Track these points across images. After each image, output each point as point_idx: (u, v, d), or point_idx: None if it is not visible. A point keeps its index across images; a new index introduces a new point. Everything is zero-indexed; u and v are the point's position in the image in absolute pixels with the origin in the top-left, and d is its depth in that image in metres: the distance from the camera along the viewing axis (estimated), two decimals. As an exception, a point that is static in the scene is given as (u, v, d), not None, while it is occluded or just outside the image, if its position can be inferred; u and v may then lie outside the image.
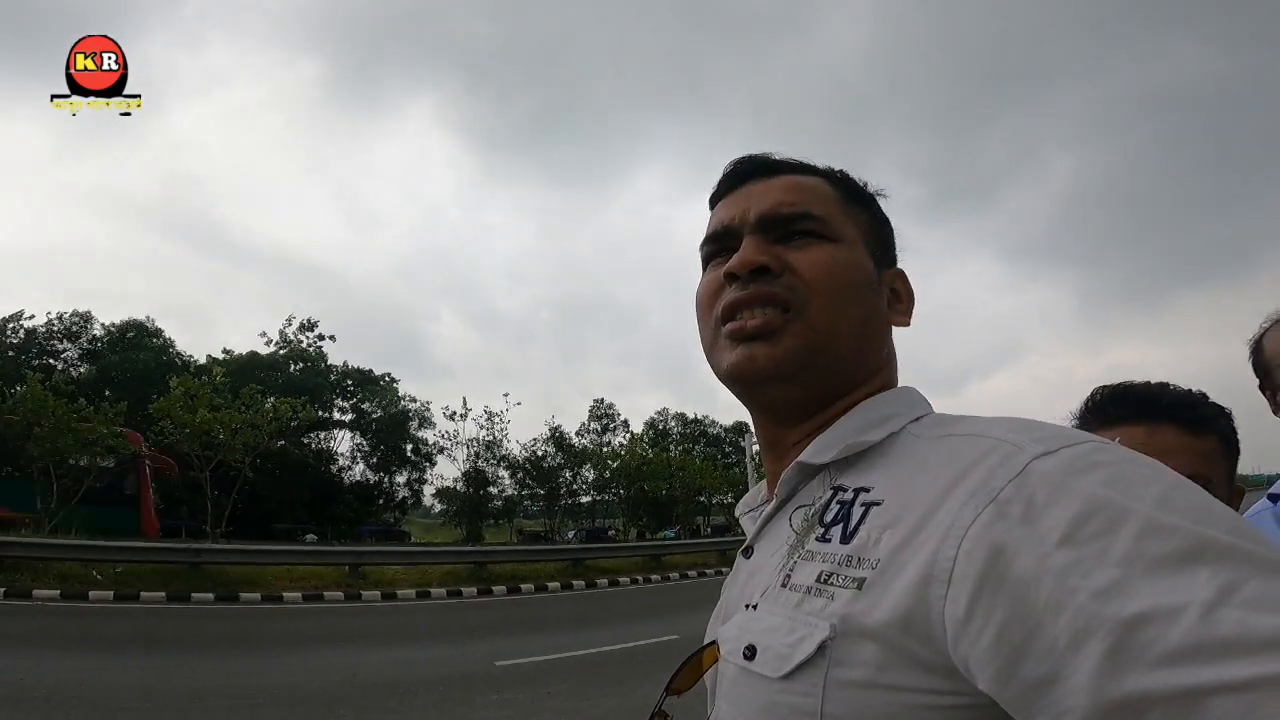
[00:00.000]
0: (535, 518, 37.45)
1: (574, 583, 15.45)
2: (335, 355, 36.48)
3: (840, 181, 0.62)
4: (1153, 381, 0.96)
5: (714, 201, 0.64)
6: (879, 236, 0.62)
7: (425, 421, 36.89)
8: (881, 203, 0.65)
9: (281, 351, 34.07)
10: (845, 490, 0.51)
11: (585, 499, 34.64)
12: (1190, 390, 0.95)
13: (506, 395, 28.45)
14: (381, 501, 38.01)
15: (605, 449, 33.17)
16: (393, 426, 36.49)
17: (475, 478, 25.57)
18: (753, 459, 33.38)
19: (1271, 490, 1.13)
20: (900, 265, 0.65)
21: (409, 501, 39.31)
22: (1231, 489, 0.92)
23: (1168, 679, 0.32)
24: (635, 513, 32.16)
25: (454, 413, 24.57)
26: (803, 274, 0.55)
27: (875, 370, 0.59)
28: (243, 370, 27.64)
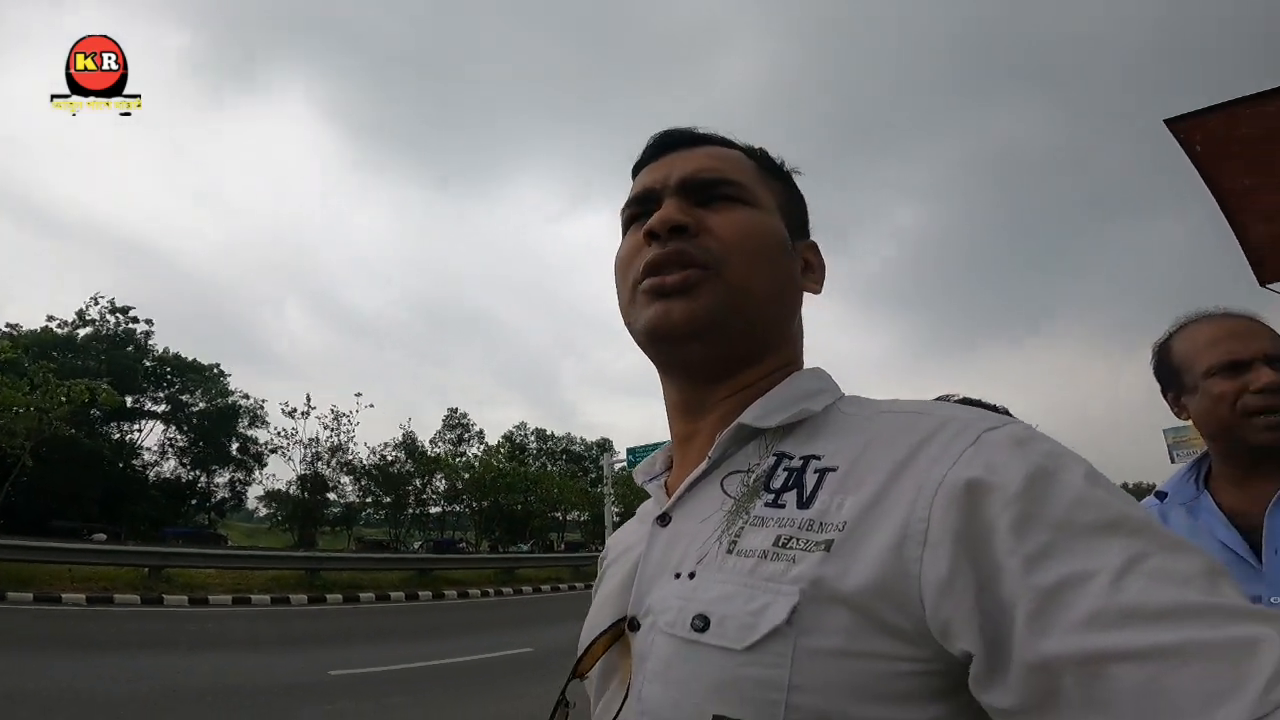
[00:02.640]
0: (378, 526, 34.97)
1: (420, 593, 14.47)
2: (156, 342, 32.33)
3: (759, 155, 0.64)
4: (960, 395, 1.08)
5: (637, 170, 0.65)
6: (793, 208, 0.64)
7: (258, 419, 33.62)
8: (797, 180, 0.66)
9: (82, 332, 29.57)
10: (791, 457, 0.50)
11: (435, 509, 32.81)
12: (980, 401, 1.06)
13: (359, 396, 26.10)
14: (195, 502, 33.92)
15: (459, 459, 31.73)
16: (218, 421, 32.82)
17: (313, 481, 23.32)
18: (613, 476, 33.56)
19: (1158, 489, 1.24)
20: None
21: (229, 504, 35.38)
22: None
23: (1077, 643, 0.35)
24: (488, 526, 30.95)
25: (294, 409, 22.32)
26: (720, 234, 0.56)
27: (788, 336, 0.60)
28: (38, 347, 23.56)
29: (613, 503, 33.05)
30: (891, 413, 0.50)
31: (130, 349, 30.69)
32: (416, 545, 29.72)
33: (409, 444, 29.50)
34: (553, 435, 44.96)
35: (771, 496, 0.48)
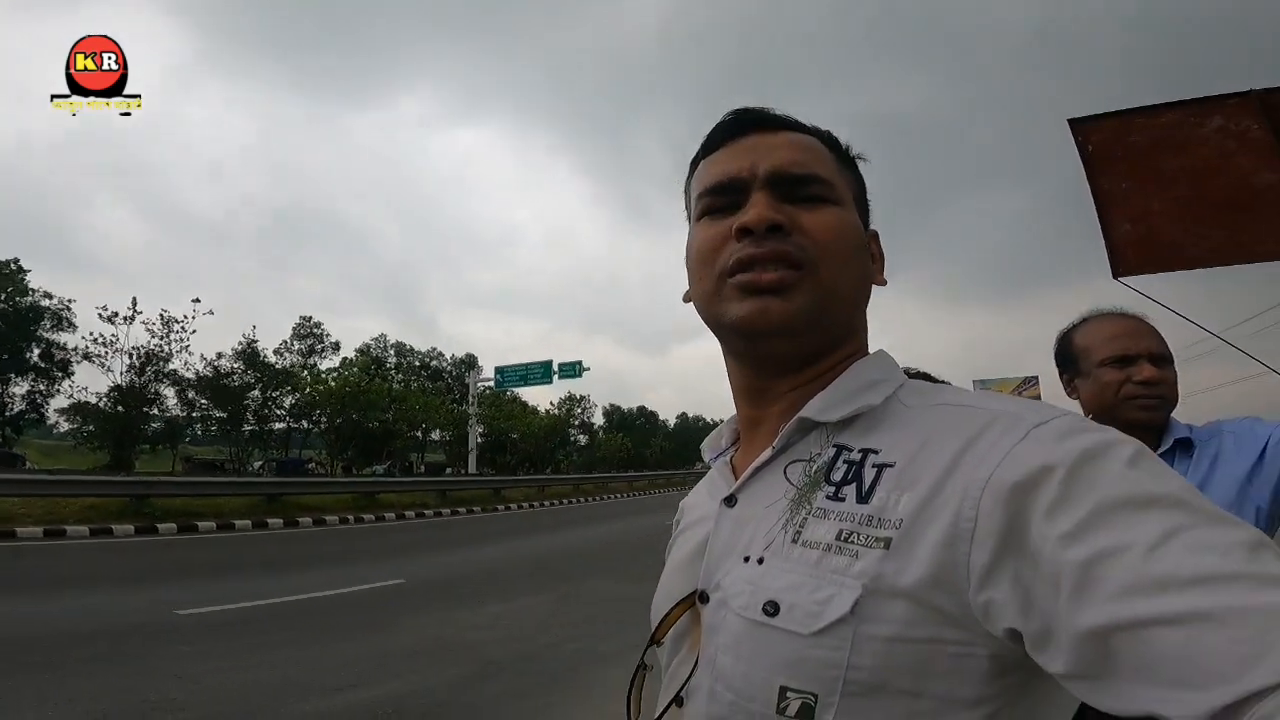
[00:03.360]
0: (207, 444, 32.16)
1: (269, 521, 13.65)
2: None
3: (832, 143, 0.63)
4: (916, 370, 1.19)
5: (708, 149, 0.64)
6: (863, 199, 0.65)
7: (64, 323, 29.11)
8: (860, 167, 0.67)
9: None
10: (850, 450, 0.53)
11: (279, 426, 30.47)
12: (930, 375, 1.17)
13: (197, 302, 22.40)
14: (-18, 416, 29.27)
15: (308, 371, 29.55)
16: (15, 324, 28.10)
17: (131, 393, 20.69)
18: (478, 396, 32.90)
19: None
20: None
21: (25, 418, 30.85)
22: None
23: (1114, 612, 0.37)
24: (342, 445, 29.39)
25: (114, 314, 19.43)
26: (813, 236, 0.56)
27: (858, 328, 0.62)
28: None
29: (476, 423, 32.63)
30: (947, 405, 0.53)
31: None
32: (256, 466, 27.65)
33: (249, 353, 26.86)
34: (413, 350, 43.08)
35: (832, 489, 0.52)
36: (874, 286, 0.63)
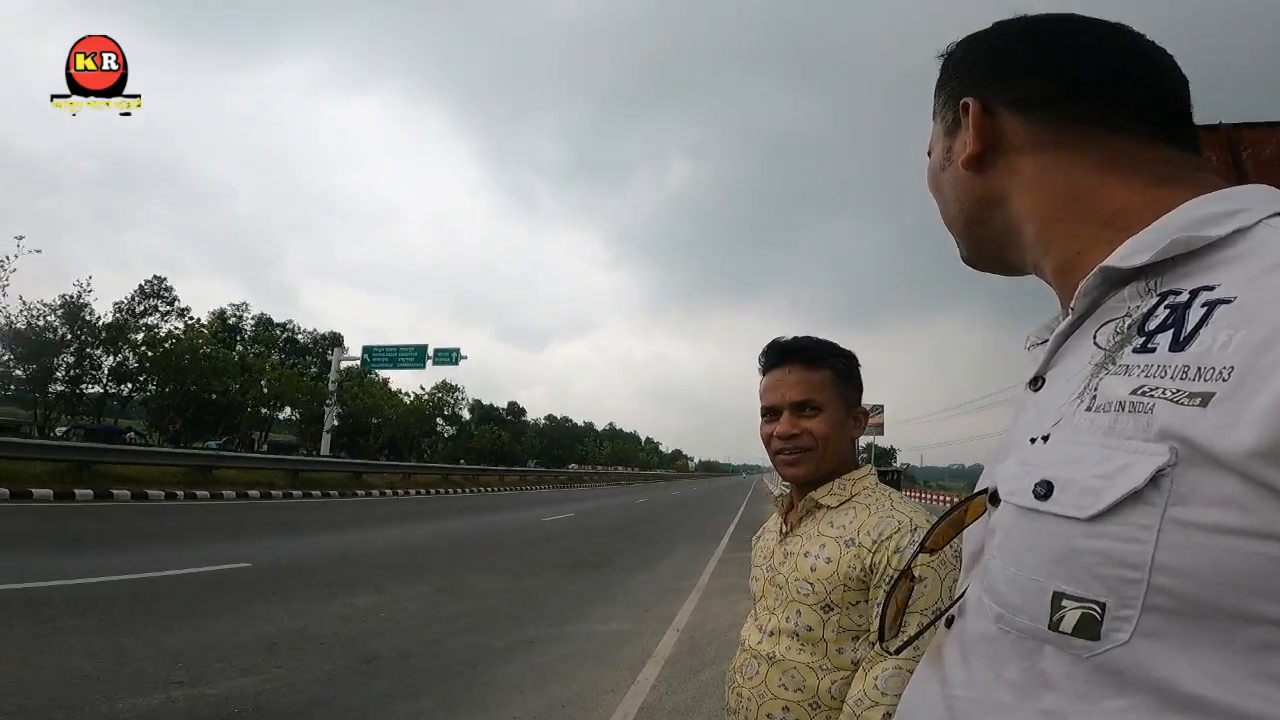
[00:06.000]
0: (3, 404, 27.33)
1: (78, 491, 11.70)
2: None
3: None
4: (794, 336, 1.25)
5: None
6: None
7: None
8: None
9: None
10: (1178, 293, 0.39)
11: (94, 389, 26.36)
12: (810, 338, 1.24)
13: (21, 239, 17.95)
14: None
15: (144, 332, 25.98)
16: None
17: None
18: (340, 376, 30.44)
19: None
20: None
21: None
22: (849, 409, 1.21)
23: None
24: (167, 415, 25.97)
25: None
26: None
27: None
28: None
29: (335, 403, 30.08)
30: None
31: None
32: (60, 432, 23.86)
33: (72, 306, 23.20)
34: (278, 323, 39.33)
35: (1143, 340, 0.39)
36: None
